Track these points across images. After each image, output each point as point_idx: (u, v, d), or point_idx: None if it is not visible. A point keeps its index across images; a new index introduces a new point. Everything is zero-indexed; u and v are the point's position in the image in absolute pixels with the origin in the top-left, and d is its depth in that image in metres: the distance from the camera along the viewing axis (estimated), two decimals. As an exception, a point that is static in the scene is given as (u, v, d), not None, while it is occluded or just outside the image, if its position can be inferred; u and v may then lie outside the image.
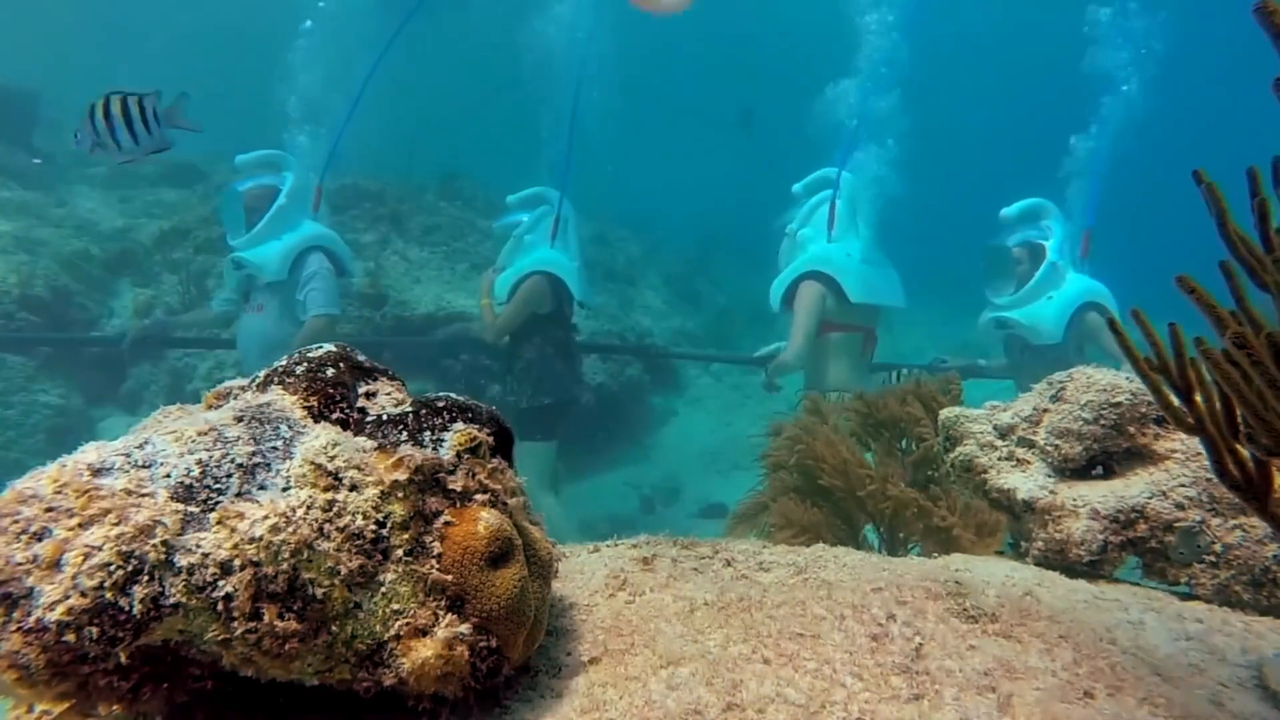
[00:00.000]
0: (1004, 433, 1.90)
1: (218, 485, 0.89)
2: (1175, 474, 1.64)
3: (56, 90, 10.17)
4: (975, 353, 5.56)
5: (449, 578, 0.96)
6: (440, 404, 1.11)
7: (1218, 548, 1.55)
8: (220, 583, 0.84)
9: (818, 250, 5.00)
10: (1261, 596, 1.51)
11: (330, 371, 1.11)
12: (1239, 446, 1.01)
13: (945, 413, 2.00)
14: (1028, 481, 1.78)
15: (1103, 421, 1.72)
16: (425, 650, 0.92)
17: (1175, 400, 1.08)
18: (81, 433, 5.88)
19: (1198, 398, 1.04)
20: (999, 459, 1.87)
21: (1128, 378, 1.74)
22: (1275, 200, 0.96)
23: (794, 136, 5.78)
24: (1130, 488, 1.66)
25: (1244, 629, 1.40)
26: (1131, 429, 1.71)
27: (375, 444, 1.01)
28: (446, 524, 0.98)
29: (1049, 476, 1.79)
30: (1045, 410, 1.84)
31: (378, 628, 0.91)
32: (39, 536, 0.81)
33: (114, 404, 6.54)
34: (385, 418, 1.08)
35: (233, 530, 0.85)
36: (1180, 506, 1.60)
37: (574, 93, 5.81)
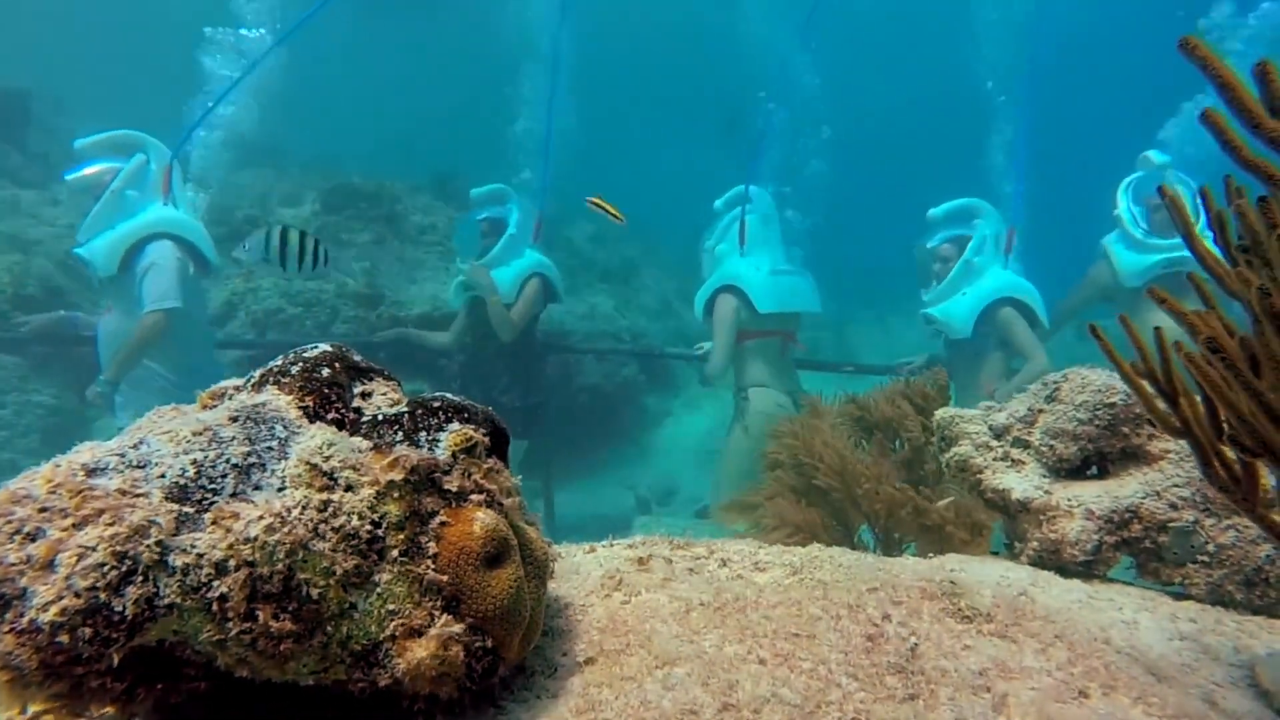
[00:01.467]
0: (999, 433, 1.90)
1: (213, 485, 0.89)
2: (1169, 474, 1.64)
3: (50, 90, 10.13)
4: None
5: (444, 578, 0.95)
6: (436, 404, 1.11)
7: (1211, 547, 1.55)
8: (215, 583, 0.83)
9: (730, 266, 5.35)
10: (1254, 596, 1.52)
11: (326, 371, 1.10)
12: (1224, 449, 1.02)
13: (940, 413, 2.00)
14: (1023, 482, 1.79)
15: (1097, 422, 1.72)
16: (420, 651, 0.91)
17: (1161, 404, 1.09)
18: (75, 433, 5.84)
19: (1183, 401, 1.05)
20: (994, 459, 1.87)
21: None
22: (1231, 215, 0.99)
23: (781, 139, 5.95)
24: (1124, 488, 1.67)
25: (1237, 628, 1.41)
26: (1126, 429, 1.72)
27: (371, 444, 1.01)
28: (442, 524, 0.98)
29: (1044, 477, 1.79)
30: (1040, 410, 1.84)
31: (373, 628, 0.91)
32: (33, 537, 0.81)
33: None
34: (381, 418, 1.08)
35: (228, 530, 0.85)
36: (1174, 506, 1.60)
37: (551, 90, 6.03)
